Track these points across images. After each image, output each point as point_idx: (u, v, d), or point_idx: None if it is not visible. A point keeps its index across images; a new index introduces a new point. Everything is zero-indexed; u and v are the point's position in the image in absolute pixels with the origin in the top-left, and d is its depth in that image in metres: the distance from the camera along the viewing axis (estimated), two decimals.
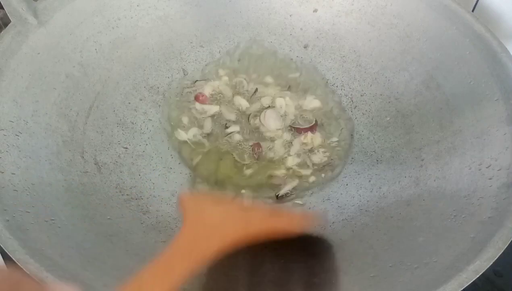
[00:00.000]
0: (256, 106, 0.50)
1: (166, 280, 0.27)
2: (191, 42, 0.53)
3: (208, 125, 0.49)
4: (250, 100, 0.51)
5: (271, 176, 0.45)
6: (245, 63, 0.54)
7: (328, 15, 0.53)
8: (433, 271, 0.31)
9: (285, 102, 0.50)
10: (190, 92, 0.51)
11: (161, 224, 0.40)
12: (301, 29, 0.54)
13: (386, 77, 0.50)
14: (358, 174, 0.45)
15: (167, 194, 0.43)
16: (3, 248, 0.30)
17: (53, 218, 0.34)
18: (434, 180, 0.40)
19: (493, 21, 0.54)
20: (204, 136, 0.48)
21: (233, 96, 0.51)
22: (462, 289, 0.29)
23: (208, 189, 0.44)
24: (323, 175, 0.46)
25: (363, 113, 0.50)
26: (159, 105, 0.50)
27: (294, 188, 0.45)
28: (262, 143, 0.47)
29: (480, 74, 0.42)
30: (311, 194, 0.45)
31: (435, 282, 0.30)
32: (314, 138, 0.48)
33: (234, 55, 0.54)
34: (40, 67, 0.42)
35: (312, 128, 0.48)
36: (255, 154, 0.46)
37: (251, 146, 0.47)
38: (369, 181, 0.44)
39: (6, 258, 0.39)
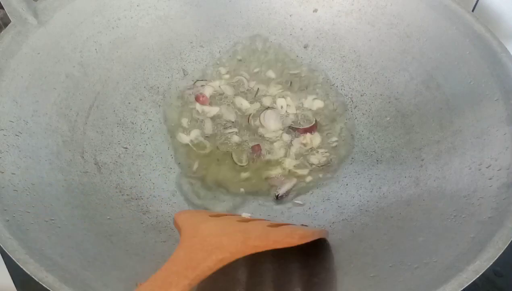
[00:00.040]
0: (256, 106, 0.50)
1: None
2: (191, 42, 0.53)
3: (209, 127, 0.49)
4: (252, 101, 0.51)
5: (269, 177, 0.45)
6: (247, 57, 0.54)
7: (328, 15, 0.53)
8: (433, 271, 0.31)
9: (286, 103, 0.50)
10: (190, 94, 0.51)
11: (161, 224, 0.40)
12: (301, 29, 0.54)
13: (386, 77, 0.50)
14: (358, 174, 0.45)
15: (167, 194, 0.43)
16: (3, 248, 0.30)
17: (53, 218, 0.34)
18: (434, 180, 0.40)
19: (493, 21, 0.54)
20: (205, 137, 0.48)
21: (234, 96, 0.51)
22: (462, 289, 0.29)
23: (207, 191, 0.44)
24: (320, 175, 0.46)
25: (363, 113, 0.50)
26: (159, 106, 0.50)
27: (293, 188, 0.45)
28: (261, 145, 0.47)
29: (480, 74, 0.42)
30: (311, 193, 0.45)
31: (435, 282, 0.30)
32: (313, 139, 0.48)
33: (236, 53, 0.54)
34: (40, 67, 0.42)
35: (312, 129, 0.48)
36: (255, 155, 0.46)
37: (251, 147, 0.47)
38: (369, 181, 0.44)
39: (6, 258, 0.39)
